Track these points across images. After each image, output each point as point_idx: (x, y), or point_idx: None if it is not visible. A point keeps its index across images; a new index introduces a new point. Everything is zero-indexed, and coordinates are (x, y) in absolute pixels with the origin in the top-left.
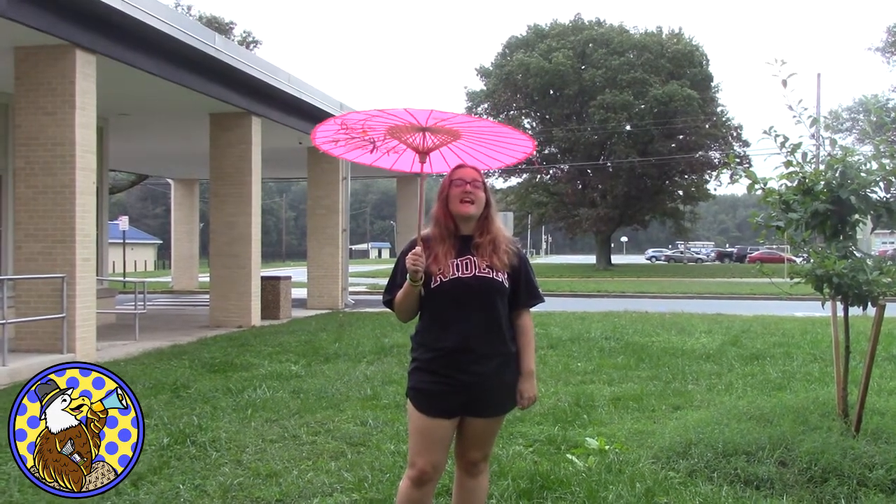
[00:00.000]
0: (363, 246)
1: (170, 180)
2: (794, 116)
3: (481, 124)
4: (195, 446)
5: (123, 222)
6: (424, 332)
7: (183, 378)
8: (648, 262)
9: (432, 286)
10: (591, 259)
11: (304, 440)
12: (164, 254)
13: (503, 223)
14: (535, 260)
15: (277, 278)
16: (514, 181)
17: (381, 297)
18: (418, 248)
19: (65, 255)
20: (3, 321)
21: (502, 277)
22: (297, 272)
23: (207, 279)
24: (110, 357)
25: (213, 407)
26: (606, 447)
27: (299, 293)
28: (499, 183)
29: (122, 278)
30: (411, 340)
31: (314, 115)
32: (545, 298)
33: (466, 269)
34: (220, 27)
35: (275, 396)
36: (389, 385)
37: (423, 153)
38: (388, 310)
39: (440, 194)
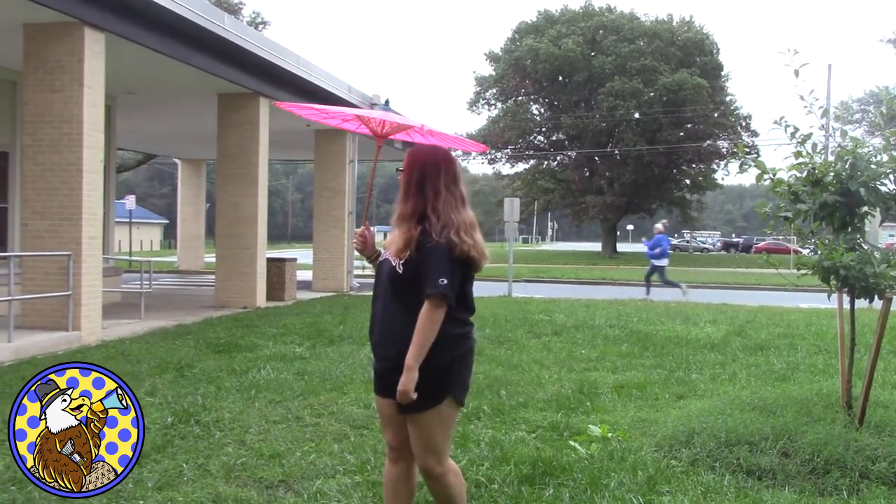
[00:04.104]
0: None
1: (177, 160)
2: (806, 106)
3: (433, 136)
4: (199, 426)
5: (130, 201)
6: None
7: (187, 358)
8: None
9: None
10: (596, 246)
11: (307, 422)
12: (170, 233)
13: (510, 208)
14: (541, 246)
15: (283, 260)
16: (521, 167)
17: None
18: (361, 229)
19: (71, 232)
20: (10, 298)
21: (396, 262)
22: (302, 254)
23: (213, 259)
24: (115, 335)
25: (217, 387)
26: (609, 435)
27: (304, 275)
28: (506, 168)
29: (128, 257)
30: None
31: (322, 97)
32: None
33: (384, 252)
34: (229, 7)
35: (279, 378)
36: None
37: (381, 137)
38: None
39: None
